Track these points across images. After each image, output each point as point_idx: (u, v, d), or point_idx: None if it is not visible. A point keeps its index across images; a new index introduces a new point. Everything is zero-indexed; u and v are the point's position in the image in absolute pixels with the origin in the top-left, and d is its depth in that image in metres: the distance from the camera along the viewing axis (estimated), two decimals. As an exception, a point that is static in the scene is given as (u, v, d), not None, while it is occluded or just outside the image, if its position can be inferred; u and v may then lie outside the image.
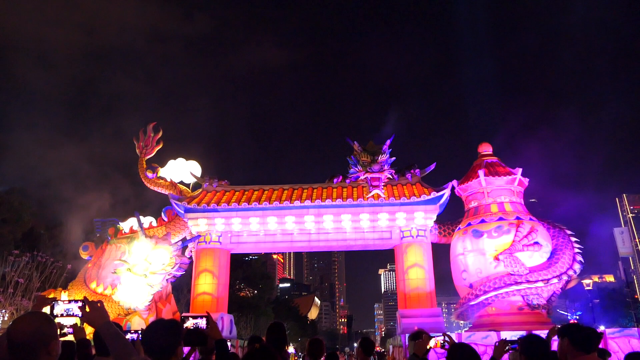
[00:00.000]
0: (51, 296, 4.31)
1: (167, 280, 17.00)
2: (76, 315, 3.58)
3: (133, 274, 15.82)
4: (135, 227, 17.77)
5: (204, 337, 4.45)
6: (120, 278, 16.07)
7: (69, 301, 3.69)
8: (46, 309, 3.83)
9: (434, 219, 18.40)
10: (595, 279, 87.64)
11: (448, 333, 6.56)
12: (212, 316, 4.78)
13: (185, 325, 4.37)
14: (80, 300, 3.48)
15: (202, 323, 4.42)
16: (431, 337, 5.97)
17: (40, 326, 2.78)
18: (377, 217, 18.07)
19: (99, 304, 3.28)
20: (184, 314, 4.84)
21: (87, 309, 3.27)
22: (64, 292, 16.98)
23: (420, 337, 5.91)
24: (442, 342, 5.92)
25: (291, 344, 69.31)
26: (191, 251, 18.84)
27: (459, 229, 17.98)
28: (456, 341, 5.58)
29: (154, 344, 3.54)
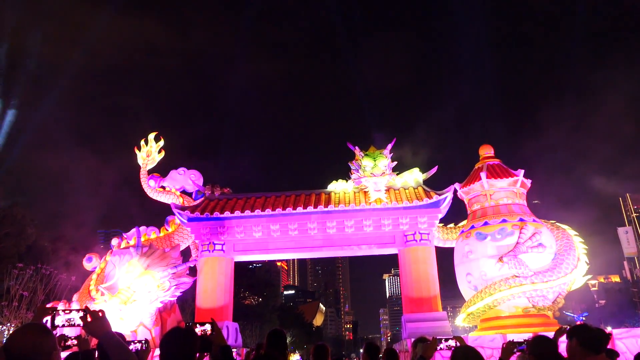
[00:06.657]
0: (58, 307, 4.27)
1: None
2: (78, 325, 3.54)
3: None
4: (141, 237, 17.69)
5: (209, 343, 4.47)
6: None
7: (70, 311, 3.64)
8: (47, 319, 3.80)
9: (437, 222, 18.36)
10: (601, 279, 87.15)
11: (461, 336, 6.53)
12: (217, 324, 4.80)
13: None
14: (82, 310, 3.44)
15: (209, 329, 4.43)
16: (439, 341, 5.94)
17: (38, 338, 2.74)
18: (380, 222, 18.02)
19: (100, 314, 3.25)
20: (190, 322, 4.82)
21: (89, 319, 3.24)
22: (66, 302, 16.90)
23: (426, 340, 5.89)
24: (454, 345, 5.90)
25: (297, 352, 69.03)
26: (195, 259, 18.77)
27: (462, 231, 17.91)
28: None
29: (173, 353, 3.57)
